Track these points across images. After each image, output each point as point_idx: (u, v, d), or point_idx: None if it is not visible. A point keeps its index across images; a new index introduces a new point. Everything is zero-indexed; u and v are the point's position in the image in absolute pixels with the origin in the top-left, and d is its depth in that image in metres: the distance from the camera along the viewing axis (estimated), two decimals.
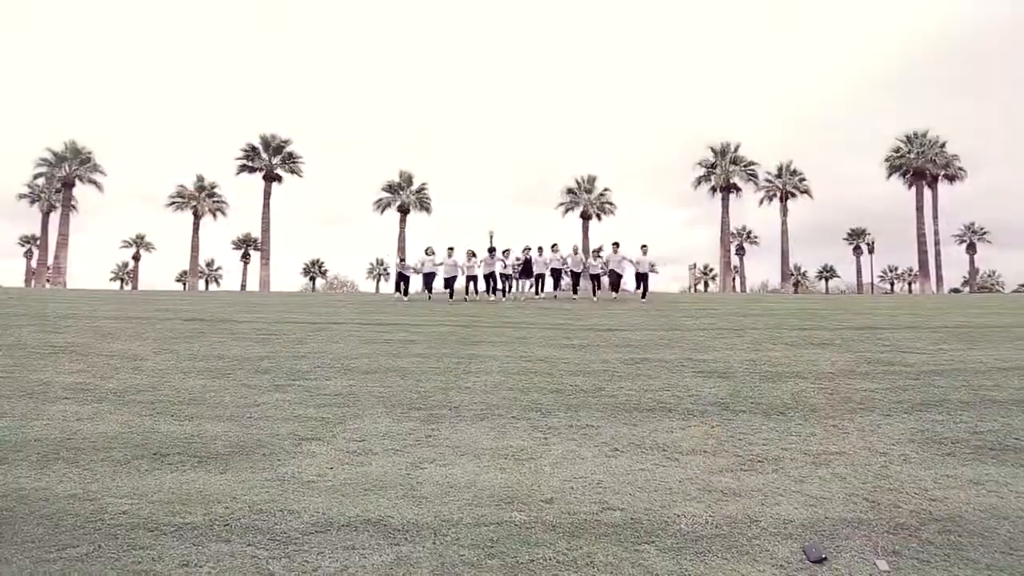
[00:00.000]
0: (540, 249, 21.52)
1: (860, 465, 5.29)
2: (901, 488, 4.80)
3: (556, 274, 21.26)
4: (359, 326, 13.79)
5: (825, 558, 3.66)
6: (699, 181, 49.90)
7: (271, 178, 48.73)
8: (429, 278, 20.49)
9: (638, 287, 20.20)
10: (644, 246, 20.13)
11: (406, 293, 20.73)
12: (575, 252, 21.68)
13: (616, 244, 20.52)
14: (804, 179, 49.88)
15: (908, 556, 3.70)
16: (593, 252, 21.28)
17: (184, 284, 66.07)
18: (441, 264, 20.10)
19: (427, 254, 20.73)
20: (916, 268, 49.34)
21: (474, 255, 20.34)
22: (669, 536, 3.99)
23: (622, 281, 21.28)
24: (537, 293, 21.41)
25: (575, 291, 21.97)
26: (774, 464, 5.38)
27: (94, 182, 48.29)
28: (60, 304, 17.56)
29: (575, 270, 21.27)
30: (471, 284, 20.63)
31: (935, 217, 47.46)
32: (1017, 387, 7.90)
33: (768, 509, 4.43)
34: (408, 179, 51.16)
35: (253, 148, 48.84)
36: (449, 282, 20.14)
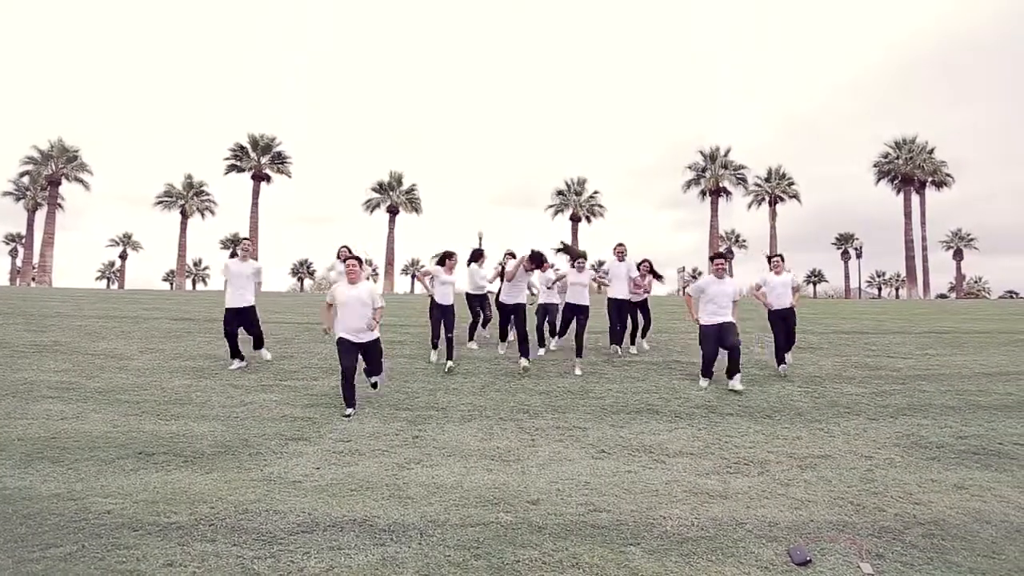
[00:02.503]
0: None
1: (845, 468, 5.33)
2: (886, 492, 4.83)
3: (580, 314, 9.74)
4: None
5: (810, 560, 3.67)
6: (689, 184, 50.10)
7: (259, 178, 48.50)
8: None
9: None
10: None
11: (237, 354, 9.27)
12: (620, 258, 10.47)
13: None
14: (793, 183, 50.13)
15: (892, 559, 3.73)
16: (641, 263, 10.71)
17: (171, 284, 65.70)
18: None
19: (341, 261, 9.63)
20: (904, 273, 49.63)
21: (449, 260, 9.50)
22: (655, 538, 4.00)
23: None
24: (543, 340, 10.59)
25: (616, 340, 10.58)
26: (760, 467, 5.40)
27: (81, 180, 47.89)
28: (45, 303, 17.41)
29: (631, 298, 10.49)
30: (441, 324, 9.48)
31: (923, 223, 47.83)
32: (1002, 392, 7.97)
33: (753, 511, 4.44)
34: (398, 179, 51.06)
35: (242, 148, 48.60)
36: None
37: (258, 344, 9.68)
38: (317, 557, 3.66)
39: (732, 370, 8.32)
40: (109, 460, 5.38)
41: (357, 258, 7.40)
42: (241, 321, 9.19)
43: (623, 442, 6.07)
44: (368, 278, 7.87)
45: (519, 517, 4.29)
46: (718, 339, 8.26)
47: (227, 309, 9.14)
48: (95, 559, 3.57)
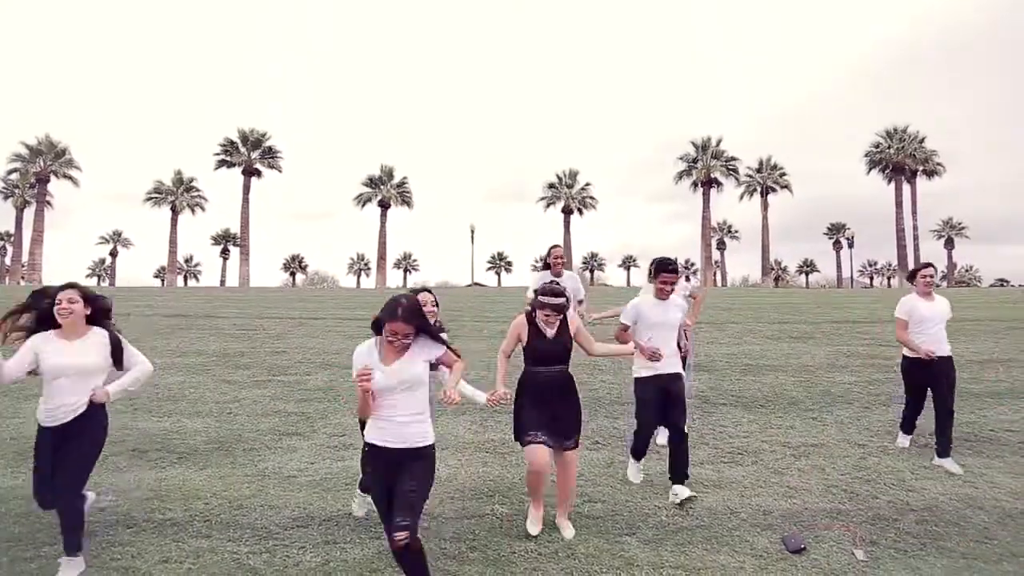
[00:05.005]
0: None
1: (838, 457, 5.36)
2: (879, 479, 4.86)
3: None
4: (340, 321, 13.72)
5: (804, 548, 3.69)
6: (680, 176, 50.03)
7: (250, 173, 48.18)
8: None
9: None
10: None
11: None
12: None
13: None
14: (785, 174, 50.18)
15: (885, 546, 3.75)
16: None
17: (162, 280, 65.40)
18: None
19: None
20: (895, 263, 49.88)
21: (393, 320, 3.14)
22: (650, 528, 4.01)
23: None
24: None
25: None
26: (754, 456, 5.43)
27: (70, 177, 47.41)
28: None
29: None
30: None
31: (914, 212, 47.93)
32: (993, 380, 8.03)
33: (748, 500, 4.46)
34: (389, 173, 50.84)
35: (231, 143, 48.24)
36: None
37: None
38: (313, 551, 3.66)
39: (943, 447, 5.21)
40: (103, 458, 5.32)
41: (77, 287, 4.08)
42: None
43: (617, 433, 6.08)
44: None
45: (514, 509, 4.30)
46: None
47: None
48: (90, 557, 3.55)
